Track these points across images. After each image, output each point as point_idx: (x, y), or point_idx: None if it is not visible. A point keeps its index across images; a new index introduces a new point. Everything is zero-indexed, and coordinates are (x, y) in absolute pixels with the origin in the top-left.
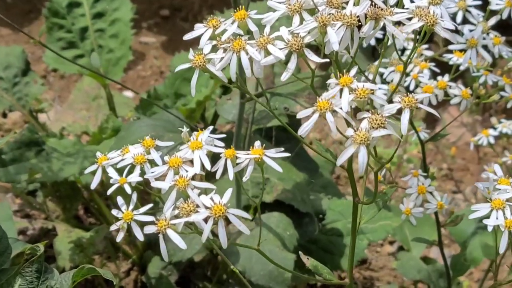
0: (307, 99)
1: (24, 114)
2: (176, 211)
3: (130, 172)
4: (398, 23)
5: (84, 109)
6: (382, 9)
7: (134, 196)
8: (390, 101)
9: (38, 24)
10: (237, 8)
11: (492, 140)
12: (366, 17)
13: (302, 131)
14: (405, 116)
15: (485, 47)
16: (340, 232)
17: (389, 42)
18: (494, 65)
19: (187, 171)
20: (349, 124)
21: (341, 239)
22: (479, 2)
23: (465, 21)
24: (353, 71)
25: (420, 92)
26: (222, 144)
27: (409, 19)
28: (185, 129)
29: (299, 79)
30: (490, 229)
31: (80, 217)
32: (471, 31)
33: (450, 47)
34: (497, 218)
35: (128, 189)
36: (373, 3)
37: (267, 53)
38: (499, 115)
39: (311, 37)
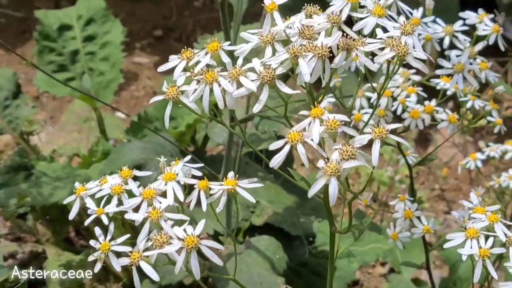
0: (298, 122)
1: (14, 137)
2: (150, 243)
3: (109, 202)
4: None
5: (75, 131)
6: (354, 40)
7: (111, 227)
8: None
9: (31, 45)
10: (226, 31)
11: (479, 164)
12: (338, 48)
13: (274, 163)
14: (376, 147)
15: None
16: None
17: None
18: (482, 90)
19: (160, 202)
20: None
21: None
22: (466, 28)
23: (452, 46)
24: (325, 102)
25: (407, 116)
26: (200, 174)
27: (382, 49)
28: (162, 159)
29: (272, 109)
30: (464, 258)
31: (71, 239)
32: (458, 56)
33: (437, 72)
34: (471, 247)
35: (105, 220)
36: (345, 34)
37: (240, 84)
38: (490, 136)
39: (283, 68)
